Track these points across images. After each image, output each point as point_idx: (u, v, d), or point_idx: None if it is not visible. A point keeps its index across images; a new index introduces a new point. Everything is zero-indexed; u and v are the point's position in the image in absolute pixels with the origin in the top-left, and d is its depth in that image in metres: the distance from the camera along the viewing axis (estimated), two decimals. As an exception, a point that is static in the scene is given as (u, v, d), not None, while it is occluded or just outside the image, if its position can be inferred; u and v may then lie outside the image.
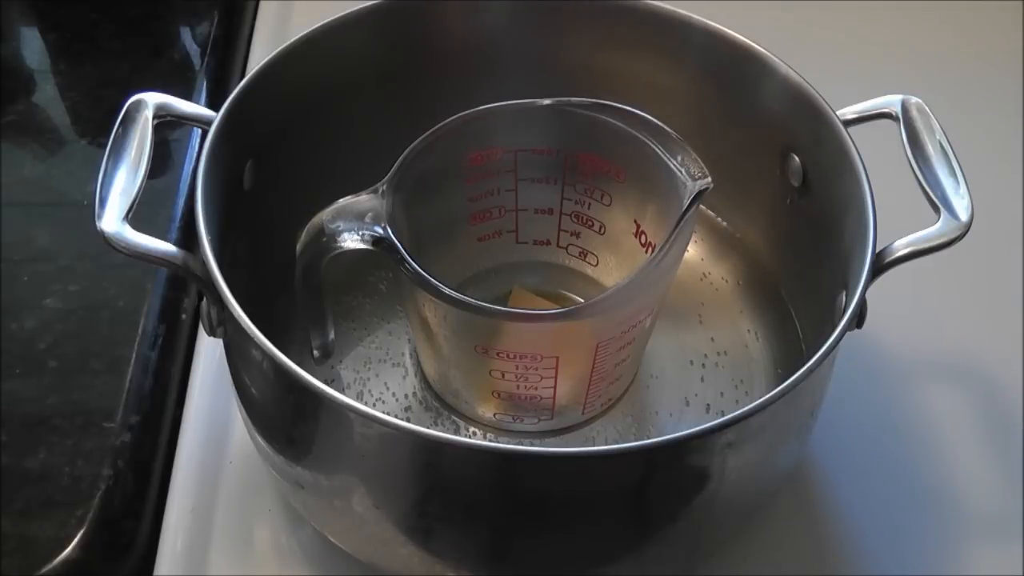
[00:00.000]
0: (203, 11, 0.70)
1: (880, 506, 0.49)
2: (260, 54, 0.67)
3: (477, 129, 0.44)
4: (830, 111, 0.45)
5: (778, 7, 0.70)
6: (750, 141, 0.49)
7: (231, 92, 0.44)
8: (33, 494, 0.46)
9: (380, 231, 0.39)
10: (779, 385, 0.37)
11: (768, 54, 0.47)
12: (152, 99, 0.43)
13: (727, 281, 0.53)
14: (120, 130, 0.41)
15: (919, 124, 0.44)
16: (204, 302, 0.41)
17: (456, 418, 0.48)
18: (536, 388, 0.44)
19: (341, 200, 0.40)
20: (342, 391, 0.44)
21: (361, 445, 0.37)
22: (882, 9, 0.72)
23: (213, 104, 0.44)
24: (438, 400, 0.48)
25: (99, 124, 0.62)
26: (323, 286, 0.42)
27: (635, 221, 0.46)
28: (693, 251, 0.53)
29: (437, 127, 0.43)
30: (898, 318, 0.53)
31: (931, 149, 0.43)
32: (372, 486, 0.40)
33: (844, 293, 0.42)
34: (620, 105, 0.42)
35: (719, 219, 0.54)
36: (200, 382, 0.53)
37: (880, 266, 0.41)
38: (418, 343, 0.48)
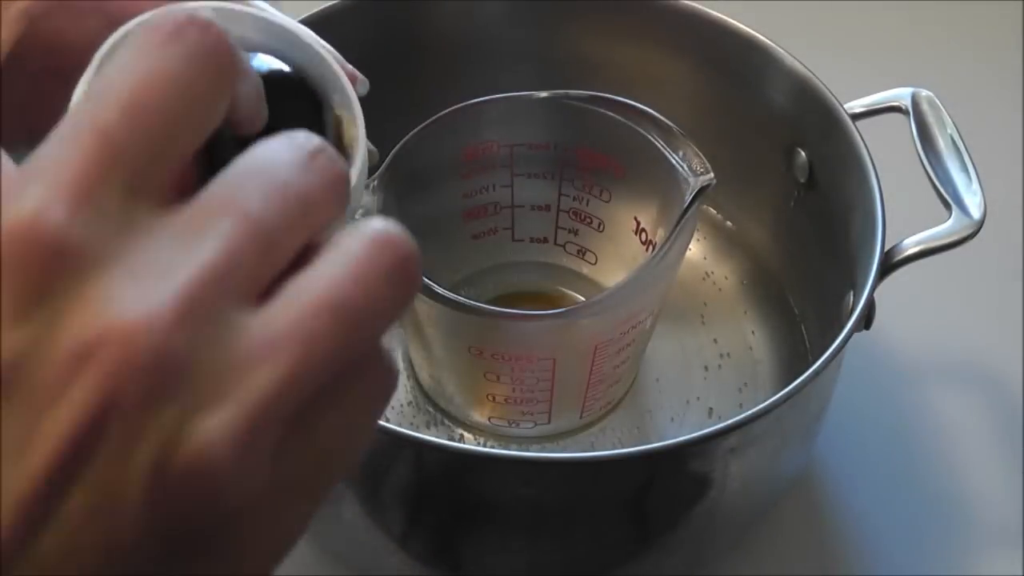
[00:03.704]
0: None
1: (888, 511, 0.49)
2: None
3: (471, 123, 0.43)
4: (837, 104, 0.44)
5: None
6: (754, 135, 0.49)
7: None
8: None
9: (370, 228, 0.39)
10: (784, 388, 0.36)
11: (773, 45, 0.47)
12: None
13: (730, 281, 0.53)
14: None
15: (930, 118, 0.44)
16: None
17: (450, 423, 0.47)
18: (532, 391, 0.43)
19: (330, 196, 0.40)
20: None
21: (349, 451, 0.37)
22: (891, -2, 0.72)
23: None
24: (431, 404, 0.48)
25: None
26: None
27: (635, 218, 0.45)
28: (695, 249, 0.53)
29: (430, 120, 0.42)
30: (907, 319, 0.53)
31: (942, 144, 0.43)
32: (362, 493, 0.39)
33: (851, 293, 0.42)
34: (619, 98, 0.42)
35: (722, 216, 0.54)
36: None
37: (889, 265, 0.41)
38: (410, 345, 0.47)
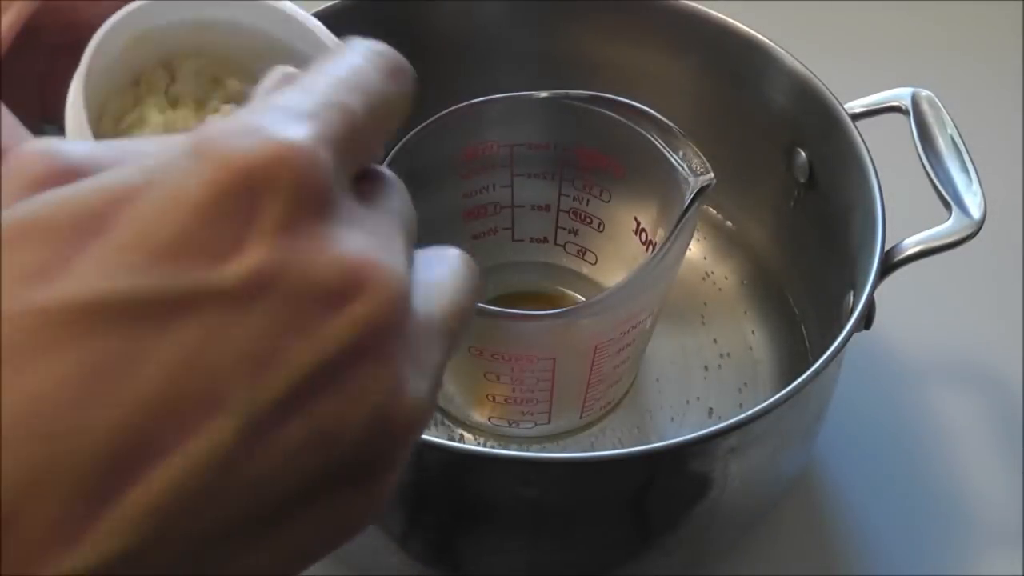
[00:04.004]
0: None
1: (888, 512, 0.49)
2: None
3: (471, 123, 0.43)
4: (838, 104, 0.44)
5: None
6: (755, 136, 0.49)
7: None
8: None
9: (370, 228, 0.39)
10: (784, 388, 0.36)
11: (774, 45, 0.47)
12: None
13: (730, 281, 0.52)
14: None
15: (930, 118, 0.44)
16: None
17: (450, 423, 0.47)
18: (532, 391, 0.43)
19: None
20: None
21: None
22: (891, -1, 0.72)
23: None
24: (431, 403, 0.47)
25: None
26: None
27: (635, 218, 0.45)
28: (695, 249, 0.53)
29: (430, 120, 0.42)
30: (907, 319, 0.53)
31: (942, 144, 0.43)
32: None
33: (851, 293, 0.42)
34: (620, 98, 0.42)
35: (722, 216, 0.54)
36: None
37: (889, 265, 0.41)
38: (411, 344, 0.47)
